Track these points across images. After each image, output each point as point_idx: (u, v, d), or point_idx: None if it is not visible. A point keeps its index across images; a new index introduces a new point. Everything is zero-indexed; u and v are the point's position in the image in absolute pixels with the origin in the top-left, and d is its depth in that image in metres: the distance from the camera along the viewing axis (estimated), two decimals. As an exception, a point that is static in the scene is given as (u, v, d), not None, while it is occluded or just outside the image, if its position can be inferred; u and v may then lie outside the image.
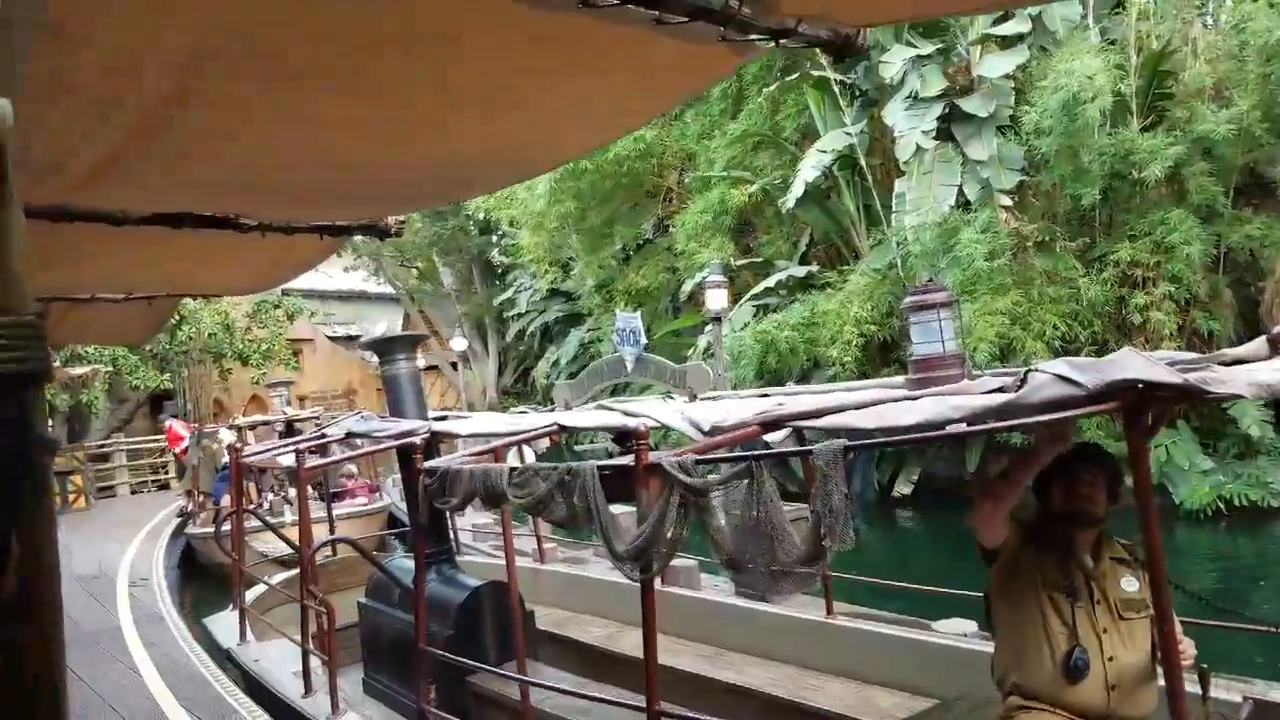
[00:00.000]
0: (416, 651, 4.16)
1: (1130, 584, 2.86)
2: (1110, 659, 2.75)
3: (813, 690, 4.68)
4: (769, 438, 3.30)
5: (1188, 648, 2.58)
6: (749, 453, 2.67)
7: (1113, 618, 2.80)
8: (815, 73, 16.64)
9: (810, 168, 16.11)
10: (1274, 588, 10.85)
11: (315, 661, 5.67)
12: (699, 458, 2.75)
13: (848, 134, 16.18)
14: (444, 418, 6.07)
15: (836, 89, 16.47)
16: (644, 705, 2.98)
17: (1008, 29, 14.65)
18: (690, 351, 19.31)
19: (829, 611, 5.30)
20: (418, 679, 4.26)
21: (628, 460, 2.92)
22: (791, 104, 18.11)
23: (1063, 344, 13.72)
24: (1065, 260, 13.94)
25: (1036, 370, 2.38)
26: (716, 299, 12.49)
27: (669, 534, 2.69)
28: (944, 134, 14.69)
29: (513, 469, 3.39)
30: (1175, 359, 2.57)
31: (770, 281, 17.94)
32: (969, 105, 14.25)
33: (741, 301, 18.07)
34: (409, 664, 4.92)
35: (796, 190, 16.27)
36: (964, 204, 14.49)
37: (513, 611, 4.63)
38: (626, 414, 4.19)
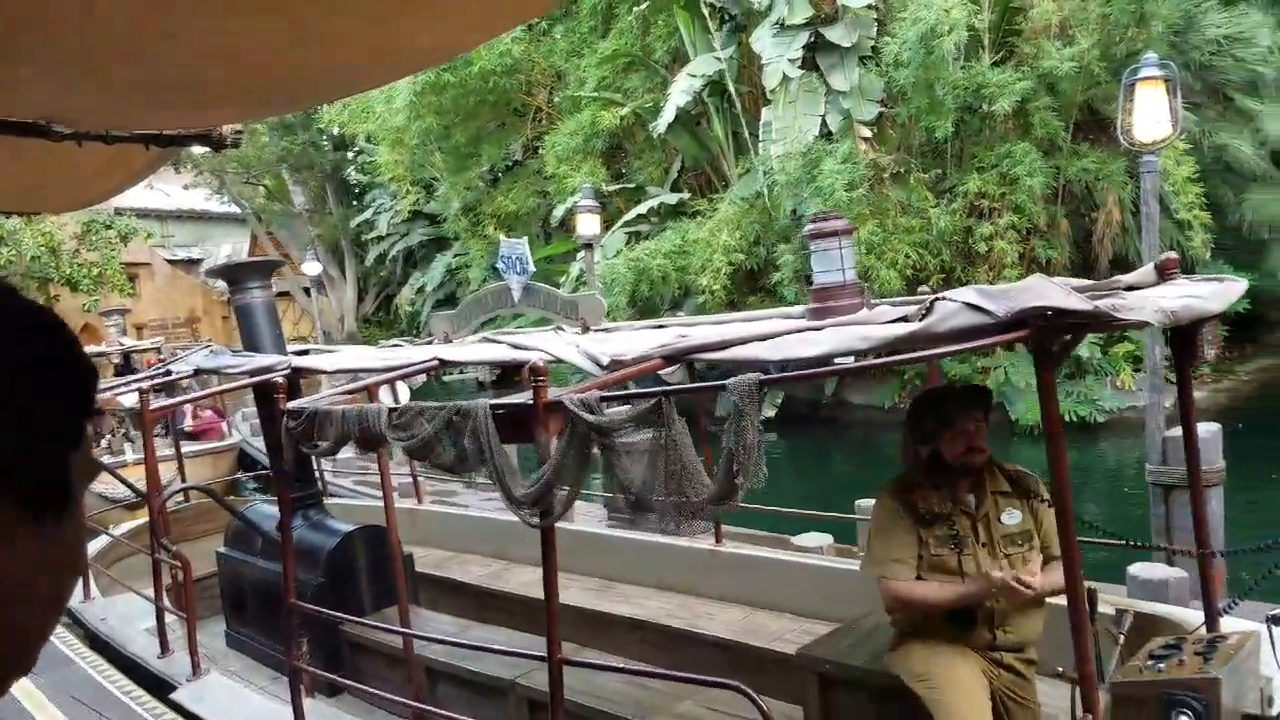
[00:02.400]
0: (286, 608, 4.01)
1: (1012, 517, 2.93)
2: (997, 599, 2.86)
3: (706, 618, 4.81)
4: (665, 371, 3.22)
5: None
6: (657, 389, 2.55)
7: (995, 557, 2.89)
8: (684, -7, 16.66)
9: (680, 92, 16.20)
10: (1095, 496, 12.21)
11: (171, 617, 5.44)
12: (604, 394, 2.63)
13: (717, 59, 16.32)
14: (305, 351, 5.82)
15: (706, 12, 16.52)
16: (536, 651, 3.02)
17: (872, -43, 15.03)
18: (562, 279, 19.38)
19: (718, 540, 5.34)
20: (289, 636, 4.11)
21: (524, 398, 2.80)
22: (662, 25, 18.04)
23: (914, 272, 14.60)
24: (919, 191, 14.73)
25: (942, 299, 2.38)
26: (588, 224, 12.53)
27: (570, 476, 2.59)
28: (809, 63, 15.06)
29: (391, 409, 3.15)
30: (1076, 285, 2.63)
31: (642, 208, 18.11)
32: (833, 34, 14.64)
33: (614, 228, 18.20)
34: (276, 614, 4.79)
35: (667, 115, 16.37)
36: (827, 134, 15.00)
37: (392, 556, 4.55)
38: (515, 347, 4.04)
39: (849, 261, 3.54)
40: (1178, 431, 7.16)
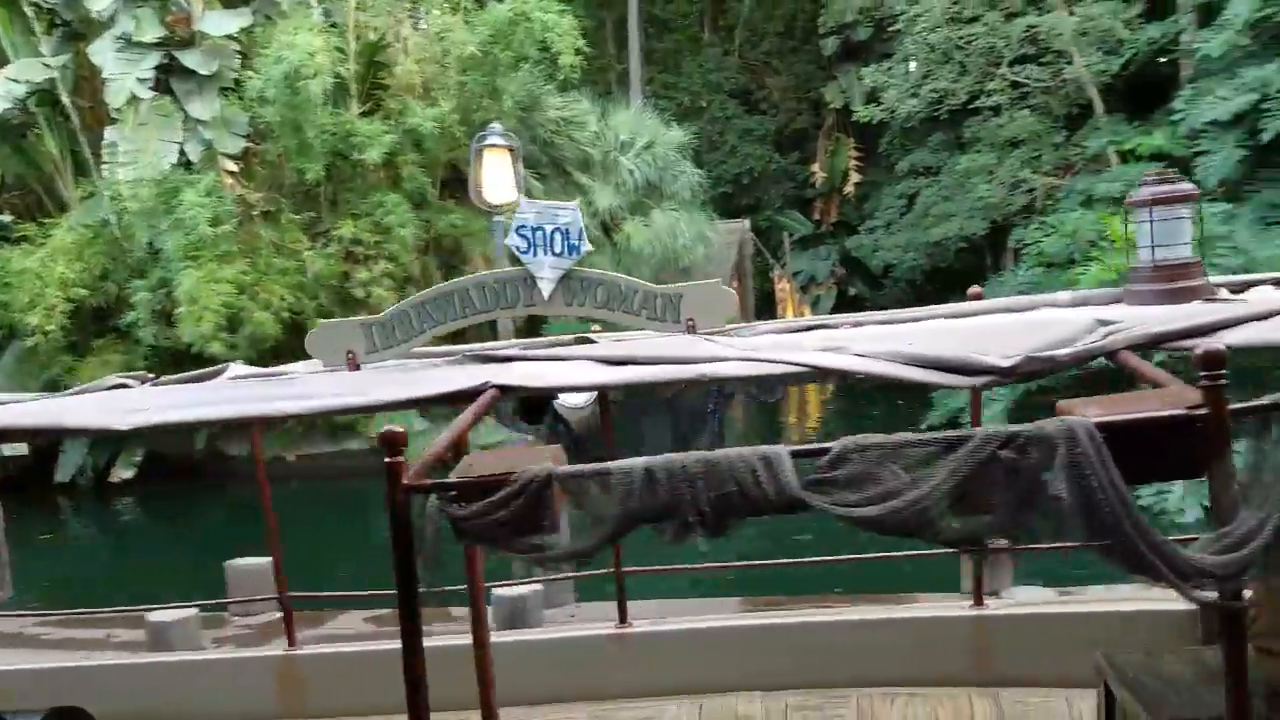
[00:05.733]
0: None
1: None
2: None
3: None
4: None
5: None
6: None
7: None
8: (1, -14, 14.92)
9: (-2, 97, 14.39)
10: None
11: None
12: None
13: (47, 65, 14.90)
14: None
15: (30, 11, 15.01)
16: None
17: (234, -12, 15.27)
18: None
19: (623, 619, 4.33)
20: None
21: (1145, 406, 2.01)
22: (-29, 18, 15.82)
23: (291, 315, 14.98)
24: (292, 232, 15.23)
25: None
26: None
27: None
28: (164, 86, 14.64)
29: (814, 450, 1.94)
30: None
31: (-56, 231, 15.48)
32: (190, 60, 14.51)
33: (-103, 253, 15.22)
34: None
35: (-21, 122, 14.38)
36: (187, 164, 14.69)
37: None
38: (628, 360, 2.86)
39: (1191, 234, 3.08)
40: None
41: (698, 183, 21.06)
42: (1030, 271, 15.04)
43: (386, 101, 16.05)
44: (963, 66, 18.16)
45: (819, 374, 2.64)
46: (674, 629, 4.34)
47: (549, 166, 19.34)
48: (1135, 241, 3.16)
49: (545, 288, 3.50)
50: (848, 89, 24.49)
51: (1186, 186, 3.09)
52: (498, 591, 6.49)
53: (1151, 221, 3.03)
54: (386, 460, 2.08)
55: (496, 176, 9.10)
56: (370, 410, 3.00)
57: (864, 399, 18.89)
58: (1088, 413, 1.94)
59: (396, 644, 4.16)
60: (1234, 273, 11.15)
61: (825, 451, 1.90)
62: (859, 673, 3.82)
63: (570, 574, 5.06)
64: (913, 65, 19.47)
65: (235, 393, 3.39)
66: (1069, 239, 14.03)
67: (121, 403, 3.26)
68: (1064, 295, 3.43)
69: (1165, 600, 3.77)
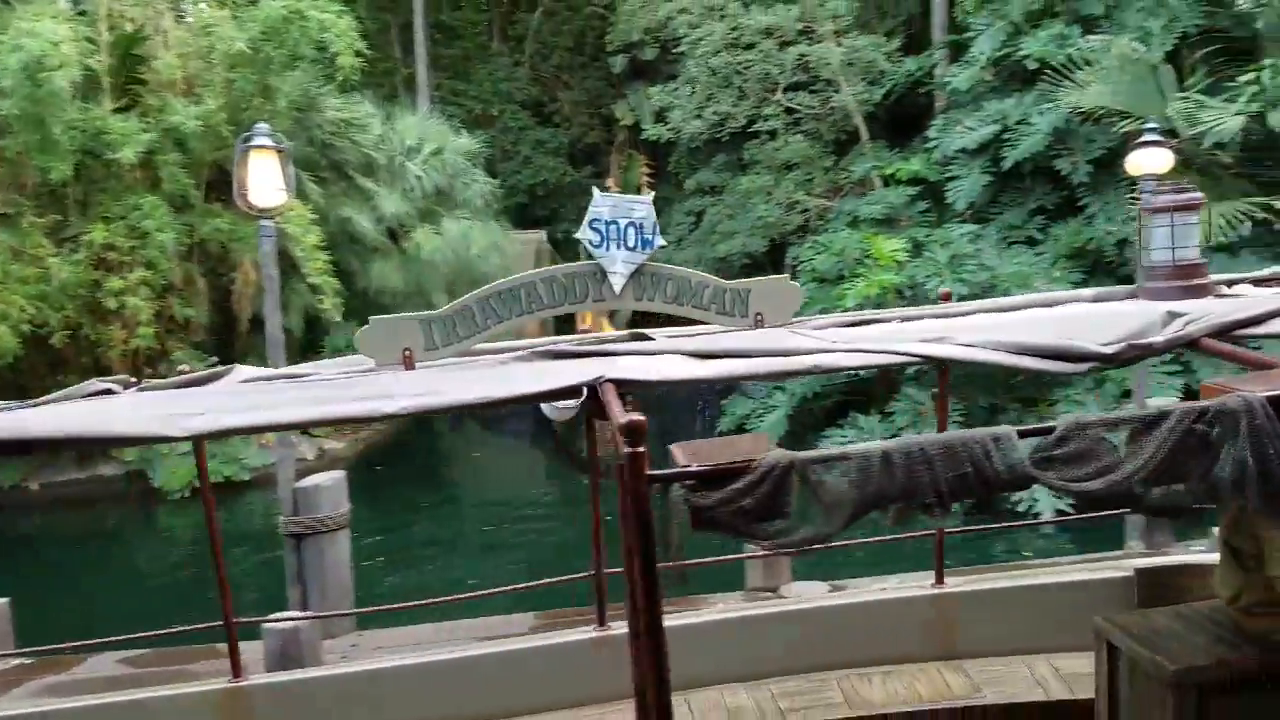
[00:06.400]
0: None
1: None
2: None
3: None
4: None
5: None
6: None
7: None
8: None
9: None
10: (246, 549, 12.99)
11: None
12: None
13: None
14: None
15: None
16: None
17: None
18: None
19: (602, 623, 4.26)
20: None
21: None
22: None
23: (33, 328, 13.71)
24: (34, 237, 14.02)
25: None
26: None
27: None
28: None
29: (1035, 430, 2.14)
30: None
31: None
32: (-93, 43, 12.95)
33: None
34: None
35: None
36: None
37: None
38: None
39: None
40: (307, 483, 8.20)
41: (490, 192, 20.97)
42: (806, 287, 16.04)
43: (145, 98, 15.01)
44: (741, 91, 19.15)
45: (926, 363, 2.86)
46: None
47: (329, 169, 18.67)
48: (1147, 243, 3.60)
49: (617, 282, 3.56)
50: (637, 107, 25.17)
51: (1197, 195, 3.53)
52: (266, 625, 6.27)
53: (1172, 226, 3.45)
54: (628, 450, 2.07)
55: (263, 178, 8.66)
56: (471, 409, 2.92)
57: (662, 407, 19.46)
58: (1255, 389, 2.18)
59: (352, 668, 4.47)
60: (982, 288, 12.66)
61: (1046, 430, 2.11)
62: (832, 657, 4.06)
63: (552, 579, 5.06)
64: (696, 88, 20.29)
65: (306, 393, 3.18)
66: (838, 257, 15.11)
67: (163, 408, 2.95)
68: (1086, 292, 3.78)
69: (1102, 570, 4.41)
